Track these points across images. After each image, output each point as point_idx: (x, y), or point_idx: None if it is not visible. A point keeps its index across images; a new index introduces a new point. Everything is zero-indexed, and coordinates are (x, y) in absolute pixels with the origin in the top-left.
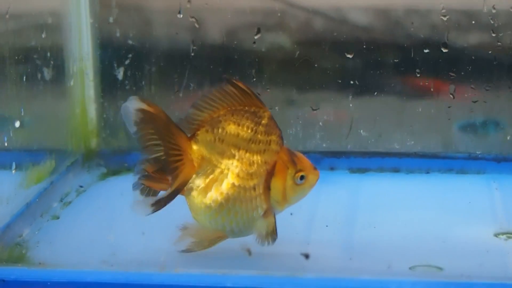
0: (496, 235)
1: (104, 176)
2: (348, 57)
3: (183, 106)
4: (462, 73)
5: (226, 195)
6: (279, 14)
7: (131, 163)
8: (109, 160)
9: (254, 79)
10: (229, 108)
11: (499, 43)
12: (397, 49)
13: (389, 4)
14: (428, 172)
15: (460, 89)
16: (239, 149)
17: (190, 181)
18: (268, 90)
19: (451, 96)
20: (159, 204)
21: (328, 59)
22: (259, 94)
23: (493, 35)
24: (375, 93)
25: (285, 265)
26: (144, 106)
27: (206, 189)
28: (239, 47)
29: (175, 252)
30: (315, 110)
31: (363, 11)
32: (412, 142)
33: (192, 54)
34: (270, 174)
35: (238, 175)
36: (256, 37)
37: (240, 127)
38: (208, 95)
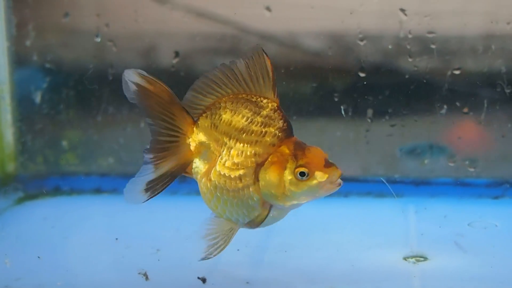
0: (405, 258)
1: (21, 201)
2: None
3: (101, 129)
4: (380, 97)
5: (213, 183)
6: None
7: (49, 187)
8: (26, 184)
9: None
10: (231, 96)
11: (416, 68)
12: (315, 72)
13: (304, 28)
14: (346, 196)
15: (378, 113)
16: (230, 138)
17: (195, 165)
18: None
19: (369, 120)
20: (154, 190)
21: None
22: None
23: (410, 59)
24: (294, 117)
25: None
26: (142, 82)
27: (203, 175)
28: (156, 71)
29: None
30: None
31: None
32: None
33: (111, 78)
34: (260, 166)
35: (224, 164)
36: (174, 62)
37: (235, 116)
38: (213, 78)
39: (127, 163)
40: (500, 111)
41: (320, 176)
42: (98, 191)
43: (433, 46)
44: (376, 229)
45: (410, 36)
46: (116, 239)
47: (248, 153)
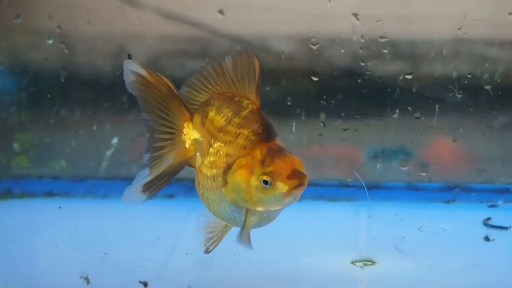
0: (353, 262)
1: None
2: None
3: (54, 132)
4: (332, 101)
5: (197, 180)
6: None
7: (0, 190)
8: None
9: (126, 106)
10: (220, 93)
11: (368, 72)
12: (268, 76)
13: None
14: (299, 200)
15: (330, 118)
16: (211, 136)
17: (197, 159)
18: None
19: (322, 124)
20: (152, 190)
21: None
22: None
23: (362, 64)
24: None
25: None
26: (141, 71)
27: (197, 173)
28: (110, 74)
29: None
30: None
31: None
32: None
33: (63, 80)
34: (228, 168)
35: (203, 162)
36: None
37: (217, 114)
38: (205, 74)
39: (80, 166)
40: (451, 116)
41: (281, 188)
42: (50, 194)
43: (385, 51)
44: (326, 233)
45: (362, 40)
46: (60, 246)
47: (222, 153)
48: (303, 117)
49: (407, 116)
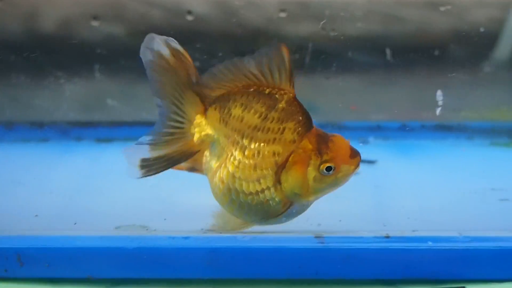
0: None
1: None
2: None
3: None
4: None
5: (227, 185)
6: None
7: None
8: None
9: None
10: (243, 87)
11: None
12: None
13: None
14: None
15: None
16: (242, 136)
17: (206, 160)
18: None
19: None
20: (149, 169)
21: None
22: None
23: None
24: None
25: None
26: (165, 51)
27: (214, 174)
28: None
29: None
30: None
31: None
32: None
33: None
34: (281, 167)
35: (238, 167)
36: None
37: (246, 111)
38: (227, 67)
39: None
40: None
41: (346, 169)
42: None
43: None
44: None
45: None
46: None
47: (266, 153)
48: None
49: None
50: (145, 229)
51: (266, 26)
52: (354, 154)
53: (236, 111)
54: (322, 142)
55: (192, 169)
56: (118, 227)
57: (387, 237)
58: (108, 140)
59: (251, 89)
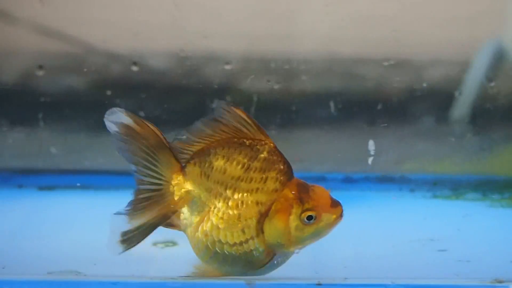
0: (154, 244)
1: None
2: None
3: None
4: None
5: (210, 238)
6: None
7: None
8: None
9: None
10: (222, 140)
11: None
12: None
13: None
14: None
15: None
16: (225, 187)
17: (184, 216)
18: None
19: None
20: (131, 241)
21: None
22: None
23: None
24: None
25: None
26: (128, 121)
27: (195, 229)
28: None
29: None
30: None
31: None
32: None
33: None
34: (264, 216)
35: (222, 218)
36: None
37: (229, 163)
38: (203, 123)
39: None
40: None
41: (327, 218)
42: None
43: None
44: None
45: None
46: None
47: (250, 203)
48: None
49: None
50: (75, 274)
51: (218, 79)
52: (335, 203)
53: (218, 163)
54: (304, 191)
55: (168, 225)
56: (50, 272)
57: (319, 284)
58: (50, 188)
59: (232, 141)
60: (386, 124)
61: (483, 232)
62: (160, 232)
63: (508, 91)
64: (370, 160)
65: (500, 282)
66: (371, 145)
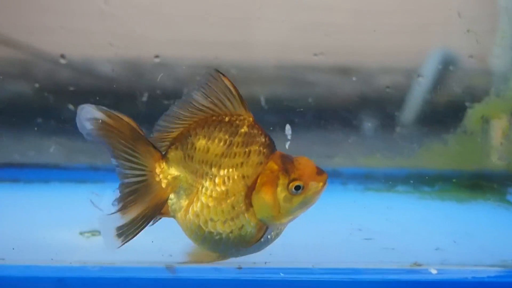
0: (81, 233)
1: None
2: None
3: None
4: None
5: (202, 218)
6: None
7: None
8: None
9: None
10: (200, 120)
11: None
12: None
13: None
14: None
15: None
16: (210, 166)
17: (172, 202)
18: None
19: None
20: (127, 235)
21: None
22: None
23: None
24: None
25: None
26: (101, 116)
27: (186, 211)
28: None
29: None
30: None
31: None
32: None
33: None
34: (251, 189)
35: (211, 196)
36: None
37: (210, 141)
38: (178, 107)
39: None
40: None
41: (314, 186)
42: None
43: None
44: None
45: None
46: None
47: (236, 178)
48: None
49: None
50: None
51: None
52: (321, 171)
53: (200, 143)
54: (288, 162)
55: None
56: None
57: (239, 268)
58: None
59: (211, 120)
60: (302, 109)
61: (411, 223)
62: (88, 222)
63: (443, 92)
64: (287, 144)
65: (419, 265)
66: (288, 129)
